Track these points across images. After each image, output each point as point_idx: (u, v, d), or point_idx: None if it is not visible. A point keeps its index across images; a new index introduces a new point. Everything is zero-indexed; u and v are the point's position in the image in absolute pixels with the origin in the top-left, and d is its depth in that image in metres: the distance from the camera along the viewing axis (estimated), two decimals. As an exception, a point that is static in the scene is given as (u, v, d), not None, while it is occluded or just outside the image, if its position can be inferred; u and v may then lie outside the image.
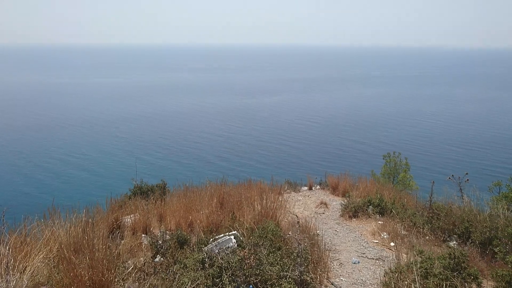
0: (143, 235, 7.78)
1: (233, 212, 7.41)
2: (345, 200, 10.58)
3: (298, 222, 6.66)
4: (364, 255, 7.31)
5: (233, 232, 6.48)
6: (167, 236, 7.21)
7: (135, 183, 10.17)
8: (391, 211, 9.47)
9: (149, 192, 9.85)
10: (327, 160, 48.53)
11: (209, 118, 74.24)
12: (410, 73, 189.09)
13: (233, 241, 5.90)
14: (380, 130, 65.39)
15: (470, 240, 7.78)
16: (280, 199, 8.34)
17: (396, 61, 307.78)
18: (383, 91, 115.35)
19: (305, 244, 6.00)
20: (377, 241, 8.11)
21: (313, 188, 14.09)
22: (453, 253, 5.15)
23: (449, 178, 9.80)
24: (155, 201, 9.15)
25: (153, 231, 7.97)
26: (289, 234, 6.99)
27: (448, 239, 8.14)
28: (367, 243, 8.04)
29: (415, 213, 9.18)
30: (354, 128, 66.51)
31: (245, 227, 6.79)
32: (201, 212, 8.79)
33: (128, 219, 8.34)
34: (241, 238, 6.23)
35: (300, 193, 13.38)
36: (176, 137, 59.58)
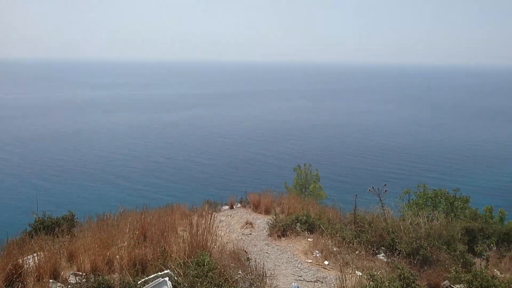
0: (50, 280, 6.59)
1: (164, 248, 6.62)
2: (272, 219, 10.32)
3: (249, 259, 6.14)
4: (301, 278, 7.04)
5: (166, 271, 5.72)
6: (83, 279, 6.17)
7: (36, 216, 8.73)
8: (319, 227, 9.42)
9: (54, 226, 8.51)
10: (239, 175, 48.63)
11: (112, 136, 70.08)
12: (313, 87, 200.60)
13: (168, 285, 5.16)
14: (286, 143, 67.72)
15: (397, 250, 7.99)
16: (209, 223, 7.72)
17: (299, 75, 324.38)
18: (290, 105, 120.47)
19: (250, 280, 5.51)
20: (311, 260, 7.92)
21: (234, 207, 13.66)
22: (402, 274, 5.08)
23: (369, 190, 10.08)
24: (63, 237, 7.91)
25: (64, 274, 6.80)
26: (232, 265, 6.42)
27: (377, 251, 8.28)
28: (301, 263, 7.80)
29: (342, 228, 9.25)
30: (264, 142, 67.97)
31: (177, 262, 6.07)
32: (122, 246, 7.81)
33: (30, 262, 7.03)
34: (175, 278, 5.50)
35: (222, 213, 12.85)
36: (75, 157, 54.93)
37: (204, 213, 12.79)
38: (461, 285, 6.69)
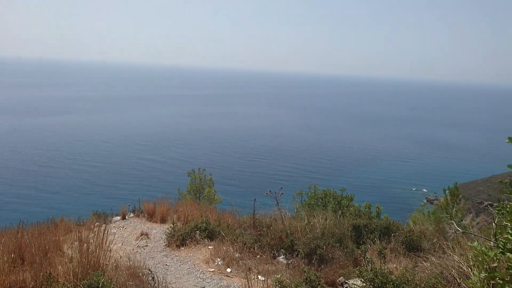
0: None
1: (49, 272, 5.76)
2: (169, 228, 9.85)
3: (153, 277, 5.63)
4: (204, 289, 6.78)
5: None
6: None
7: None
8: (219, 234, 9.26)
9: None
10: (127, 183, 46.16)
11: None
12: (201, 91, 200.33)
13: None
14: (174, 148, 66.48)
15: (296, 251, 8.23)
16: (101, 238, 6.98)
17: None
18: (174, 110, 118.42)
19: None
20: (213, 269, 7.70)
21: (126, 217, 12.76)
22: (309, 278, 5.16)
23: (267, 193, 10.26)
24: None
25: None
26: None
27: (277, 254, 8.41)
28: (203, 273, 7.54)
29: (242, 233, 9.23)
30: (151, 148, 65.69)
31: (66, 285, 5.33)
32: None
33: None
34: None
35: (113, 225, 11.90)
36: None
37: (92, 226, 11.75)
38: (355, 279, 7.14)
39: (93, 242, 6.60)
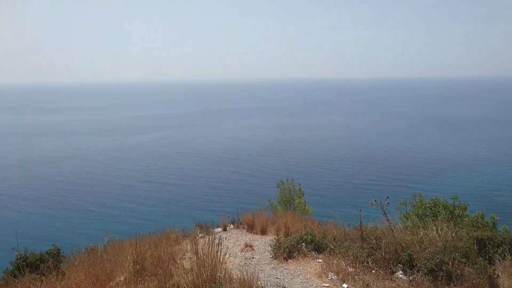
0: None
1: (177, 285, 5.85)
2: (274, 240, 9.69)
3: None
4: (323, 305, 6.42)
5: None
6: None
7: (18, 253, 7.76)
8: (327, 246, 8.87)
9: (38, 263, 7.57)
10: (218, 195, 47.62)
11: (78, 162, 67.52)
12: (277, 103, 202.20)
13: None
14: (259, 160, 67.23)
15: (416, 267, 7.53)
16: (216, 250, 6.97)
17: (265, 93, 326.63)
18: (254, 123, 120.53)
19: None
20: (327, 284, 7.33)
21: (227, 229, 12.93)
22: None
23: (372, 203, 9.63)
24: (50, 275, 7.01)
25: (55, 320, 5.93)
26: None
27: (394, 269, 7.79)
28: (318, 288, 7.20)
29: (351, 245, 8.74)
30: (237, 160, 67.26)
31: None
32: (117, 280, 6.99)
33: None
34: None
35: (216, 236, 12.09)
36: (43, 185, 52.40)
37: (197, 237, 12.05)
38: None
39: (209, 254, 6.61)
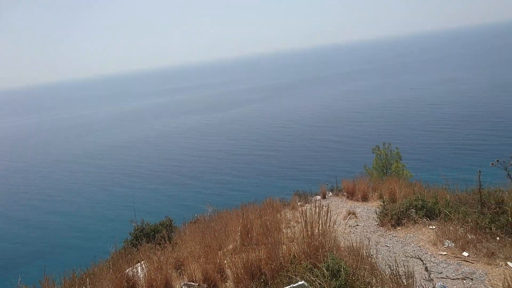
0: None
1: (293, 255, 5.84)
2: (379, 206, 9.27)
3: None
4: (443, 275, 5.95)
5: (300, 282, 4.91)
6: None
7: (135, 224, 8.43)
8: (440, 212, 8.22)
9: (153, 233, 8.14)
10: (309, 164, 47.48)
11: (174, 139, 71.91)
12: (359, 67, 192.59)
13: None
14: (349, 126, 65.17)
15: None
16: (325, 220, 6.75)
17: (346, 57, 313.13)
18: (348, 87, 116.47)
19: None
20: (445, 252, 6.79)
21: (326, 196, 12.76)
22: None
23: (493, 164, 8.63)
24: (165, 244, 7.49)
25: (175, 285, 6.32)
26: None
27: (523, 236, 6.95)
28: (434, 256, 6.70)
29: (469, 211, 7.97)
30: (327, 128, 66.08)
31: (304, 266, 5.27)
32: (227, 250, 7.23)
33: (139, 273, 6.65)
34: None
35: (316, 204, 11.97)
36: (145, 162, 57.00)
37: (296, 205, 12.07)
38: None
39: (319, 225, 6.45)
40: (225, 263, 6.61)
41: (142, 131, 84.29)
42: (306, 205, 12.12)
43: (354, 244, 6.61)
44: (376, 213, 9.13)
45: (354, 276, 4.87)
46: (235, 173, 47.14)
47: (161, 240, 7.85)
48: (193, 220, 10.07)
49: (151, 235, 8.16)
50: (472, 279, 5.70)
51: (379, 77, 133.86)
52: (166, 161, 56.83)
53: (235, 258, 6.28)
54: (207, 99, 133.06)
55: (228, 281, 6.30)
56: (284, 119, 77.24)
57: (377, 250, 7.20)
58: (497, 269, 5.95)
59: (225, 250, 7.30)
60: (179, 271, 6.82)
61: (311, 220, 6.38)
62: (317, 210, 6.57)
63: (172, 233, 8.45)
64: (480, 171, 8.40)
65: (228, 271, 6.37)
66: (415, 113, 68.55)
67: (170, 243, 7.74)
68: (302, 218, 6.32)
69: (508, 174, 8.59)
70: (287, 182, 39.53)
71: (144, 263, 6.88)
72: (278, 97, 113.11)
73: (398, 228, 8.31)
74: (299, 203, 12.31)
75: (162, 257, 6.60)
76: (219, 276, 6.37)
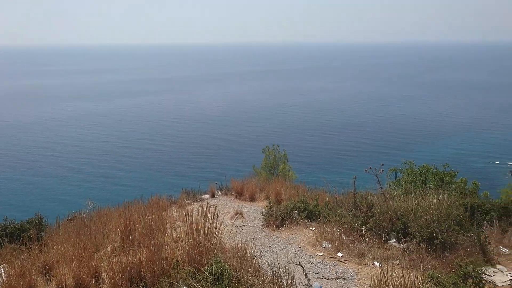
0: (25, 302, 5.41)
1: (176, 259, 5.57)
2: (265, 207, 9.51)
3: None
4: (319, 275, 6.30)
5: None
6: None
7: (-5, 223, 7.33)
8: (320, 214, 8.74)
9: (18, 232, 7.17)
10: (199, 161, 47.29)
11: (59, 126, 65.76)
12: (274, 67, 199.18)
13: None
14: (242, 125, 66.77)
15: (410, 235, 7.46)
16: (211, 221, 6.66)
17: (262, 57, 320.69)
18: (254, 86, 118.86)
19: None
20: (322, 253, 7.21)
21: (215, 195, 12.71)
22: (464, 269, 4.44)
23: (367, 170, 9.48)
24: (32, 245, 6.64)
25: (41, 294, 5.63)
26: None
27: (388, 237, 7.72)
28: (312, 257, 7.08)
29: (344, 213, 8.61)
30: (220, 126, 66.63)
31: (187, 271, 5.09)
32: (105, 252, 6.70)
33: (-4, 280, 5.77)
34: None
35: (204, 203, 11.85)
36: (19, 150, 50.94)
37: (184, 204, 11.80)
38: (488, 268, 6.29)
39: (205, 225, 6.32)
40: (102, 267, 6.09)
41: (16, 115, 75.18)
42: (195, 203, 11.94)
43: (239, 245, 6.64)
44: (262, 214, 9.35)
45: (237, 280, 4.85)
46: (122, 167, 44.80)
47: (27, 241, 6.95)
48: (69, 218, 9.16)
49: (15, 235, 7.17)
50: (344, 279, 6.13)
51: (277, 79, 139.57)
52: (42, 150, 51.47)
53: (113, 261, 5.83)
54: (98, 86, 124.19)
55: (104, 286, 5.82)
56: (178, 114, 75.89)
57: (261, 251, 7.35)
58: (365, 268, 6.49)
59: (102, 252, 6.75)
60: (46, 276, 6.10)
61: (197, 221, 6.23)
62: (204, 210, 6.44)
63: (42, 233, 7.54)
64: (355, 177, 9.15)
65: (105, 276, 5.88)
66: (302, 117, 73.01)
67: (39, 244, 6.89)
68: (187, 218, 6.13)
69: (378, 180, 9.54)
70: (177, 179, 38.85)
71: (4, 267, 6.02)
72: (176, 91, 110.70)
73: (282, 229, 8.62)
74: (187, 202, 12.07)
75: (27, 261, 5.83)
76: (93, 281, 5.85)
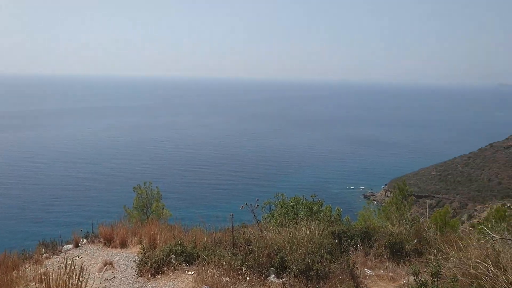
0: None
1: None
2: (138, 254, 8.76)
3: None
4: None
5: None
6: None
7: None
8: (198, 256, 8.37)
9: None
10: (61, 205, 42.53)
11: None
12: (137, 102, 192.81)
13: None
14: (107, 163, 62.89)
15: (288, 269, 7.59)
16: (74, 281, 5.78)
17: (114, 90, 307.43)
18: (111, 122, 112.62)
19: None
20: (200, 300, 6.83)
21: (80, 244, 11.34)
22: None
23: (242, 207, 9.53)
24: None
25: None
26: None
27: (267, 273, 7.73)
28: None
29: (223, 253, 8.41)
30: (85, 164, 61.54)
31: None
32: None
33: None
34: None
35: (67, 255, 10.44)
36: None
37: (41, 258, 10.23)
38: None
39: (64, 283, 5.45)
40: None
41: None
42: (55, 256, 10.46)
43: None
44: (135, 262, 8.59)
45: None
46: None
47: None
48: None
49: None
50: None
51: (146, 114, 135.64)
52: None
53: None
54: None
55: None
56: (38, 153, 67.84)
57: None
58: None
59: None
60: None
61: (57, 281, 5.35)
62: (65, 269, 5.57)
63: None
64: (232, 214, 9.09)
65: None
66: (174, 153, 72.03)
67: None
68: (44, 282, 5.21)
69: (255, 216, 9.65)
70: (33, 227, 34.15)
71: None
72: (25, 127, 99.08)
73: (158, 276, 8.00)
74: (44, 255, 10.50)
75: None
76: None
